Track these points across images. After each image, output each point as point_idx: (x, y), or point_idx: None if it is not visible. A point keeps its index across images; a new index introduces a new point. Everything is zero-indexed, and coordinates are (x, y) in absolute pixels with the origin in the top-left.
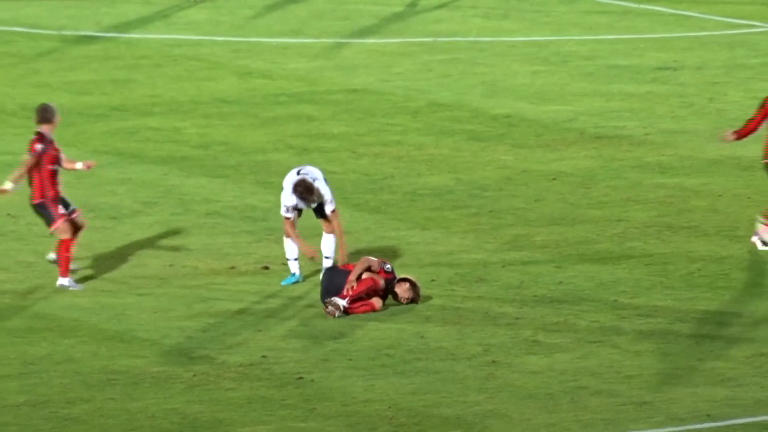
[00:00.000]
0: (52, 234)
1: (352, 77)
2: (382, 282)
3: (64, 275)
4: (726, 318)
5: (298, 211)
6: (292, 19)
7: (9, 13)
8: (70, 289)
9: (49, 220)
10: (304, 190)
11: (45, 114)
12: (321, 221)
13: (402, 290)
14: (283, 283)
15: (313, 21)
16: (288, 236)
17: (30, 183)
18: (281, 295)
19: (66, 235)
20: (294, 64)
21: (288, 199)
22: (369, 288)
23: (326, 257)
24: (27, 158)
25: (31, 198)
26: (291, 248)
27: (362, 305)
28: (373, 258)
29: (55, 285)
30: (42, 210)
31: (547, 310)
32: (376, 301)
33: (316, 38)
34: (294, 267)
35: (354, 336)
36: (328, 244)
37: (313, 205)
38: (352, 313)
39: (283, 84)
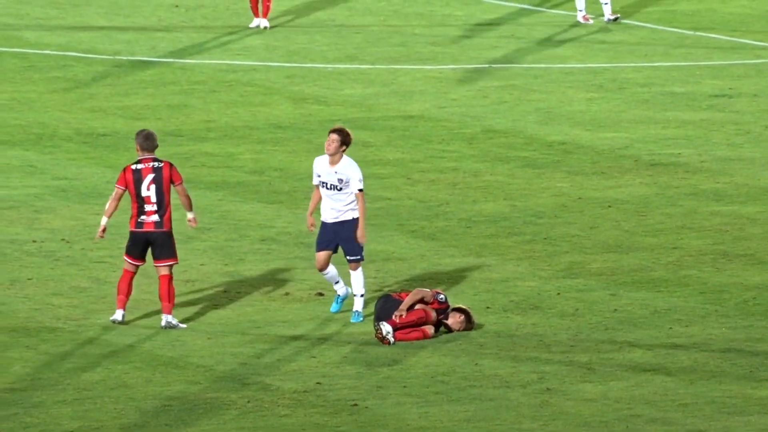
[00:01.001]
0: (163, 266)
1: (407, 103)
2: (433, 314)
3: (170, 312)
4: None
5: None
6: (348, 45)
7: (64, 38)
8: (178, 327)
9: (172, 252)
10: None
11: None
12: (348, 262)
13: (454, 321)
14: (332, 311)
15: (369, 47)
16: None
17: (165, 210)
18: (335, 322)
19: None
20: (349, 89)
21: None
22: (419, 319)
23: (358, 295)
24: (181, 188)
25: (162, 225)
26: (333, 273)
27: (413, 332)
28: (426, 289)
29: (109, 314)
30: (169, 239)
31: (601, 337)
32: (428, 329)
33: (371, 64)
34: (339, 289)
35: (408, 363)
36: (357, 282)
37: (342, 185)
38: (403, 340)
39: (338, 110)
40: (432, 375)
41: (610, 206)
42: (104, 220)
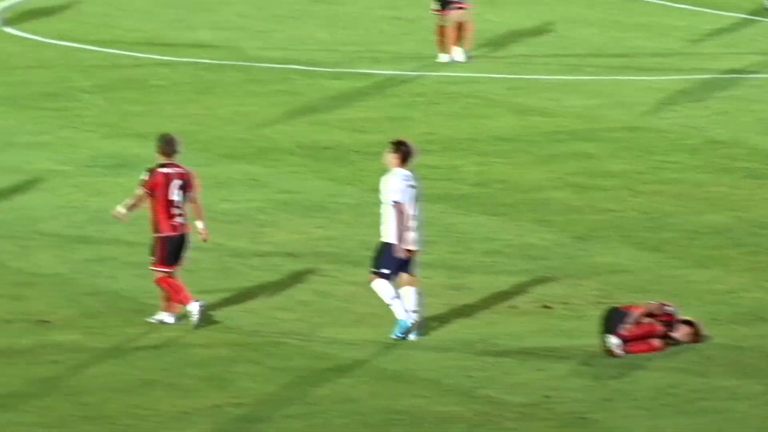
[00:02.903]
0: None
1: (630, 114)
2: (661, 327)
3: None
4: None
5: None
6: (570, 56)
7: (286, 51)
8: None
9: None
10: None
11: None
12: (403, 274)
13: (682, 334)
14: (393, 336)
15: (591, 58)
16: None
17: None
18: (562, 334)
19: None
20: (572, 101)
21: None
22: (647, 332)
23: (411, 311)
24: (196, 196)
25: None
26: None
27: (641, 345)
28: (654, 303)
29: (335, 329)
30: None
31: None
32: (656, 341)
33: (594, 75)
34: (398, 311)
35: (636, 375)
36: (412, 297)
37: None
38: (630, 353)
39: (561, 121)
40: (660, 387)
41: None
42: (122, 209)
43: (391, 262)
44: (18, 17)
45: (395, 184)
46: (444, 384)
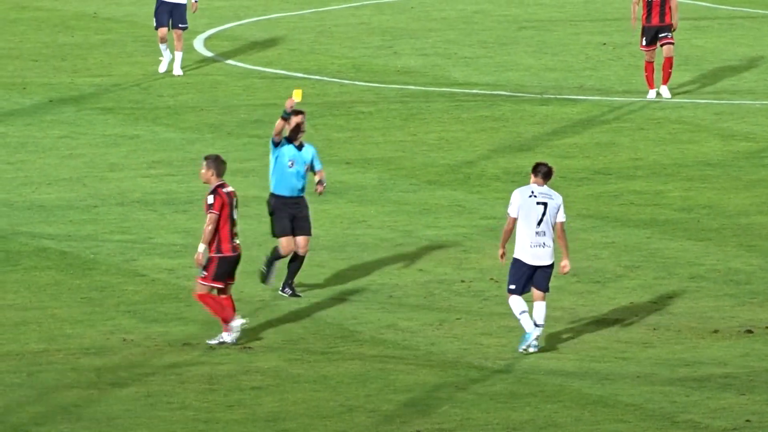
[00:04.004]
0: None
1: None
2: None
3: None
4: None
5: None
6: None
7: (492, 77)
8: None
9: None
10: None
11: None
12: (534, 290)
13: None
14: (518, 349)
15: None
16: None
17: None
18: (765, 359)
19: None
20: None
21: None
22: None
23: (540, 325)
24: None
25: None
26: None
27: None
28: None
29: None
30: None
31: None
32: None
33: None
34: (526, 324)
35: None
36: (539, 311)
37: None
38: None
39: (766, 146)
40: None
41: None
42: (202, 248)
43: (515, 278)
44: (224, 45)
45: (513, 197)
46: (646, 409)
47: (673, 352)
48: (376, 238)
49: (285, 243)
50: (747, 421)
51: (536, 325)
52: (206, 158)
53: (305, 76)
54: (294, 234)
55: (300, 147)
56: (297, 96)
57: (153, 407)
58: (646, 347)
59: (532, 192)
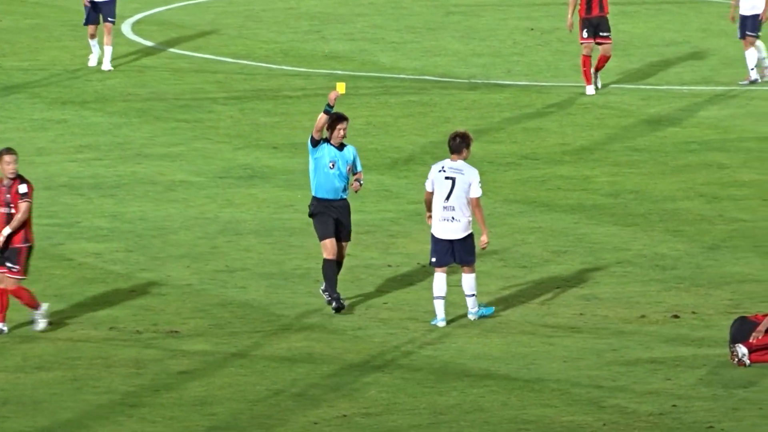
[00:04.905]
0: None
1: (763, 124)
2: None
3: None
4: None
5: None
6: (703, 66)
7: (420, 62)
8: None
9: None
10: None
11: None
12: (462, 267)
13: None
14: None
15: (724, 68)
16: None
17: None
18: (691, 344)
19: None
20: (705, 111)
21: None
22: None
23: (469, 295)
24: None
25: None
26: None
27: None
28: None
29: (462, 339)
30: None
31: None
32: None
33: (726, 86)
34: (438, 309)
35: (764, 385)
36: (465, 283)
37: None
38: (759, 362)
39: (693, 132)
40: None
41: None
42: (7, 232)
43: (433, 252)
44: (152, 29)
45: (429, 172)
46: (573, 393)
47: (600, 336)
48: (303, 222)
49: (330, 245)
50: (673, 405)
51: (467, 295)
52: (13, 150)
53: (233, 60)
54: (338, 239)
55: (341, 147)
56: (341, 89)
57: (79, 391)
58: (573, 332)
59: (443, 167)
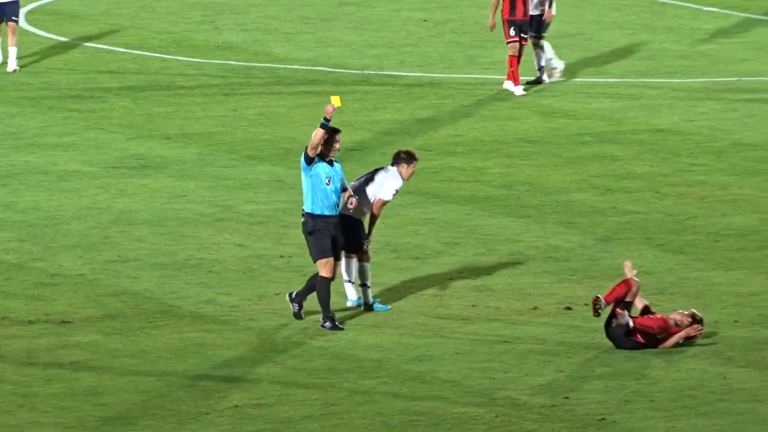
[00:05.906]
0: None
1: (656, 117)
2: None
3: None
4: None
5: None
6: (597, 59)
7: (313, 52)
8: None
9: None
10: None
11: None
12: (345, 254)
13: (681, 317)
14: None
15: (617, 60)
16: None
17: None
18: (584, 336)
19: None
20: (598, 103)
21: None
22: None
23: (346, 281)
24: None
25: None
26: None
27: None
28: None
29: (359, 331)
30: None
31: None
32: (632, 281)
33: (619, 78)
34: (350, 291)
35: (655, 376)
36: (350, 269)
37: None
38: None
39: (586, 124)
40: (679, 389)
41: None
42: None
43: None
44: (45, 19)
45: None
46: (465, 385)
47: (492, 328)
48: (196, 212)
49: (329, 264)
50: (565, 398)
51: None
52: None
53: (126, 50)
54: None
55: (330, 162)
56: (336, 102)
57: None
58: (465, 323)
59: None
